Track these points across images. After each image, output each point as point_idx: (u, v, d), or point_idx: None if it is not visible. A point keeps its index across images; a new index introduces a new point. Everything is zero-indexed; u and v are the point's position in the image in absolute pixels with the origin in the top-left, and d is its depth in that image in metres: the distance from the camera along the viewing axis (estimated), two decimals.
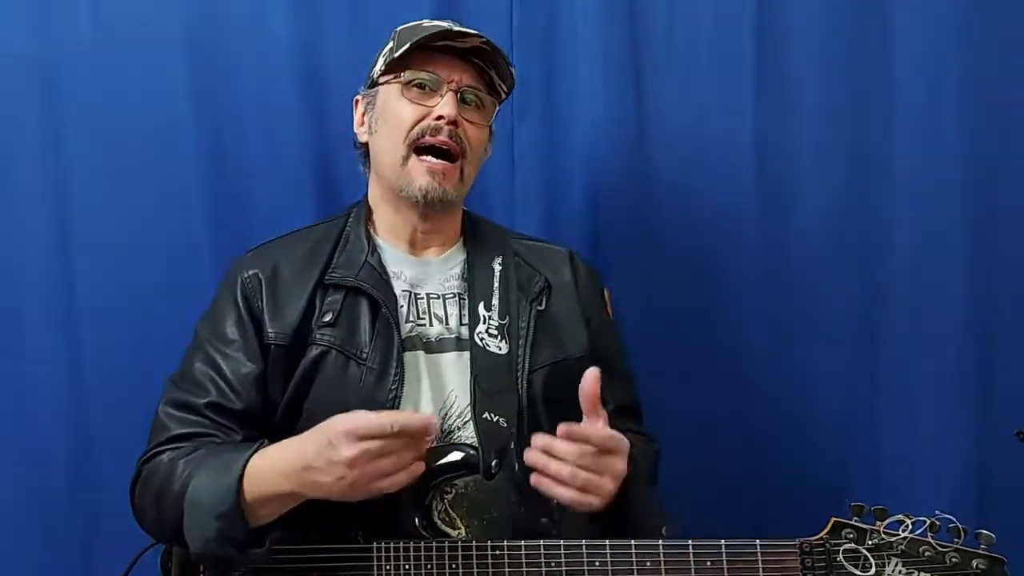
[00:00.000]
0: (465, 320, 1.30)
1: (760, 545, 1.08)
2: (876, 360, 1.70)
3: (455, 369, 1.28)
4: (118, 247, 1.63)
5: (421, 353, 1.27)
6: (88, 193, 1.62)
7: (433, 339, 1.29)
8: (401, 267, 1.32)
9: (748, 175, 1.69)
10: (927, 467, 1.69)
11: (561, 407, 1.28)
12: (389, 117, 1.29)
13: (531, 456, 1.13)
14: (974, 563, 1.03)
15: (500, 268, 1.35)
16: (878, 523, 1.06)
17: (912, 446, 1.69)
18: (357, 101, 1.37)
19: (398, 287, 1.29)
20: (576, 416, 1.27)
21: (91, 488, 1.64)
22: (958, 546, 1.04)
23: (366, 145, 1.36)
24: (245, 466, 1.12)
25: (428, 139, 1.26)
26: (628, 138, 1.68)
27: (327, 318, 1.25)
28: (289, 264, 1.30)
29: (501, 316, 1.30)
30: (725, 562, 1.08)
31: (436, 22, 1.31)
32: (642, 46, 1.68)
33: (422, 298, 1.31)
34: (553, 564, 1.12)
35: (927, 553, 1.04)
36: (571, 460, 1.10)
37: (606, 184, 1.70)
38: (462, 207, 1.39)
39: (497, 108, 1.35)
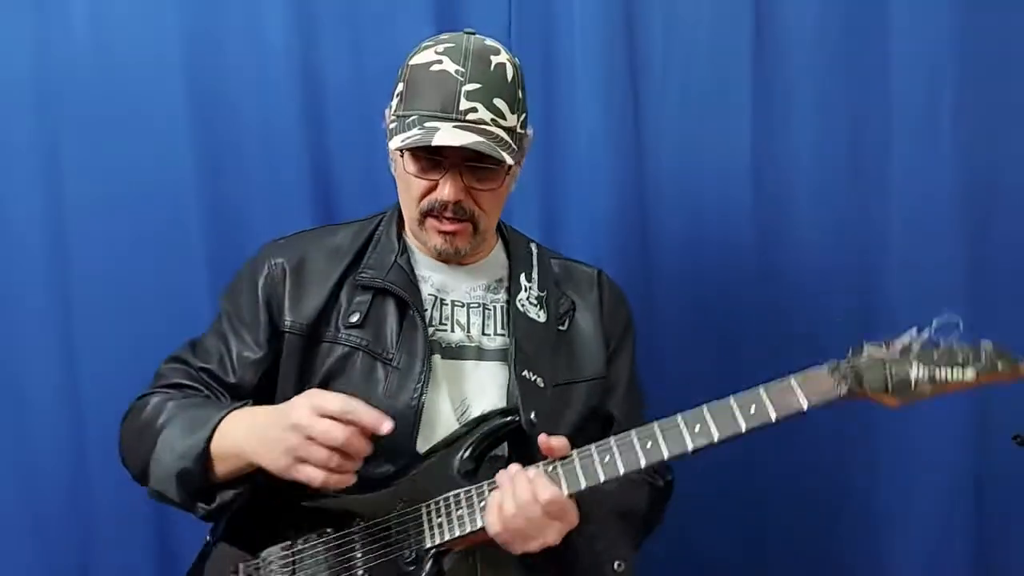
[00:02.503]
0: (487, 330, 1.31)
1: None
2: None
3: (471, 377, 1.29)
4: (115, 255, 1.64)
5: (438, 357, 1.28)
6: (86, 201, 1.63)
7: (453, 345, 1.30)
8: (430, 271, 1.33)
9: (745, 182, 1.70)
10: (925, 471, 1.69)
11: (559, 428, 1.25)
12: (401, 179, 1.29)
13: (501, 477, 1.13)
14: (983, 345, 1.04)
15: (537, 252, 1.39)
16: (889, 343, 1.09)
17: (910, 450, 1.69)
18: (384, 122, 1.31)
19: (425, 290, 1.31)
20: (570, 435, 1.24)
21: (87, 491, 1.63)
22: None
23: None
24: (224, 417, 1.17)
25: (435, 214, 1.25)
26: (625, 144, 1.70)
27: (354, 318, 1.26)
28: (317, 255, 1.31)
29: (540, 288, 1.33)
30: None
31: (443, 66, 1.20)
32: (640, 53, 1.69)
33: (447, 304, 1.32)
34: None
35: (942, 351, 1.05)
36: (518, 501, 1.09)
37: (603, 191, 1.71)
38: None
39: (510, 165, 1.23)
